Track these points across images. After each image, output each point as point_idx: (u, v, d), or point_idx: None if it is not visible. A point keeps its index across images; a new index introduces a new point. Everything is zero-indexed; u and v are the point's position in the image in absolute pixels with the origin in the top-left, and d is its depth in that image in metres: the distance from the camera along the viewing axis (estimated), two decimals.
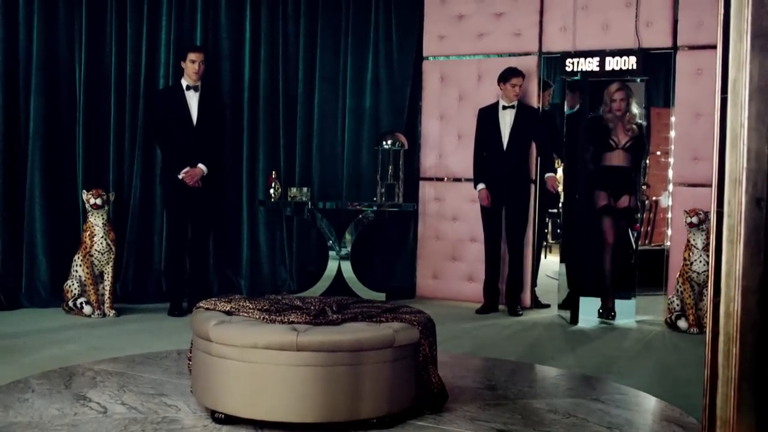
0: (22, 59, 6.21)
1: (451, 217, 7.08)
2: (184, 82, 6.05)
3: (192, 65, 5.99)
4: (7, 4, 6.15)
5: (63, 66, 6.35)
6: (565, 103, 6.60)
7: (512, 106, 6.45)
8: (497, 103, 6.51)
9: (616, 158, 6.20)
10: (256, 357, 3.20)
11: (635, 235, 6.39)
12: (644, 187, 7.22)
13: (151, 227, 6.64)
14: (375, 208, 6.86)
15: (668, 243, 6.43)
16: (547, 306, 6.78)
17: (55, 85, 6.32)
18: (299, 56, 7.17)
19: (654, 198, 8.74)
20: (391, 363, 3.31)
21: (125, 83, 6.53)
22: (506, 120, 6.45)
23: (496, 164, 6.46)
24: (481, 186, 6.49)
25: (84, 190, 5.93)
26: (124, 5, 6.52)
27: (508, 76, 6.41)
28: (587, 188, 6.21)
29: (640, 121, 6.21)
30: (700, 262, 5.82)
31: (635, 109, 6.20)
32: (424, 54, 7.24)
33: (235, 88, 6.94)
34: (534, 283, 6.87)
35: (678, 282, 5.97)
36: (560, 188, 6.64)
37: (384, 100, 7.30)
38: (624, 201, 6.19)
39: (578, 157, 6.29)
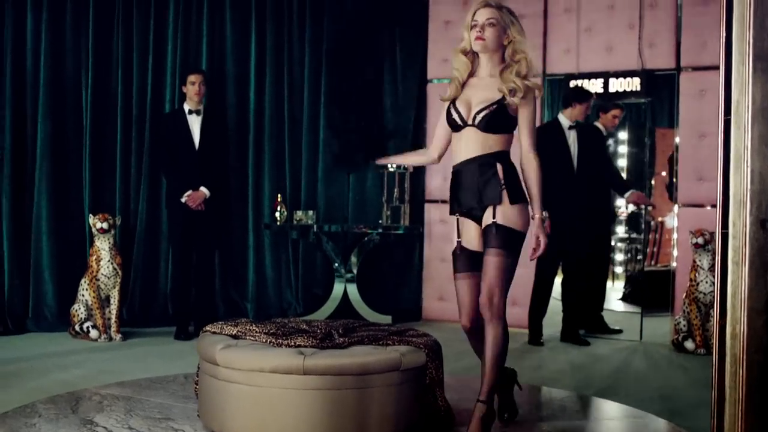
0: (30, 84, 6.27)
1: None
2: (186, 107, 6.10)
3: (192, 87, 6.04)
4: (15, 30, 6.22)
5: (70, 91, 6.41)
6: None
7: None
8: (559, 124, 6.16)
9: (464, 146, 3.50)
10: (262, 381, 3.20)
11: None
12: (650, 208, 7.07)
13: (157, 251, 6.66)
14: (380, 230, 6.86)
15: (674, 264, 6.42)
16: (619, 331, 6.49)
17: (62, 110, 6.37)
18: (304, 80, 7.21)
19: (660, 219, 8.73)
20: (398, 386, 3.30)
21: (131, 108, 6.59)
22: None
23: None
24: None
25: (90, 215, 5.95)
26: (130, 31, 6.59)
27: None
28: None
29: (532, 68, 3.27)
30: (707, 282, 5.81)
31: (522, 47, 3.24)
32: (429, 77, 7.29)
33: (240, 111, 6.98)
34: (600, 308, 6.61)
35: (684, 303, 5.95)
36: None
37: (389, 123, 7.32)
38: (487, 218, 3.40)
39: None
